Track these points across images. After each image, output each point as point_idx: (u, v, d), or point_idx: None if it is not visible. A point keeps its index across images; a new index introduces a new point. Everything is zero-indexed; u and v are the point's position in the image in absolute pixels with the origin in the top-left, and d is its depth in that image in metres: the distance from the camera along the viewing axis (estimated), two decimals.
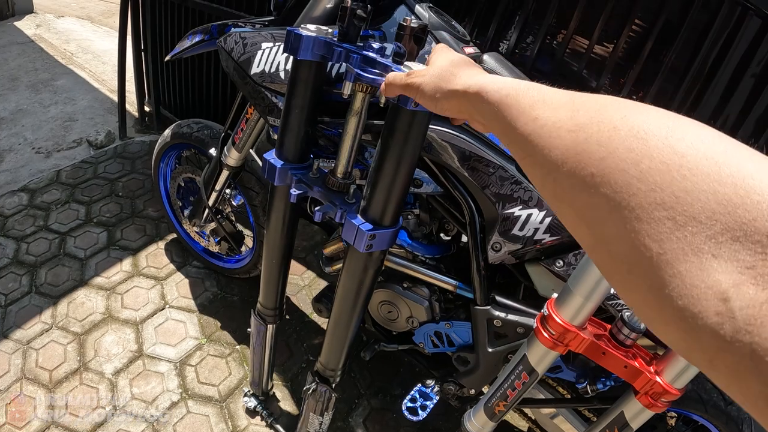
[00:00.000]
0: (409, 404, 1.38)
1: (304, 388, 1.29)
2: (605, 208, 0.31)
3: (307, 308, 2.02)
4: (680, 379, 0.93)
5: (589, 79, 1.59)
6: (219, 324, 1.90)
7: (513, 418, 1.75)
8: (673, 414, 1.34)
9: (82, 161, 2.56)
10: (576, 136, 0.35)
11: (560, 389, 1.42)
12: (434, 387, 1.39)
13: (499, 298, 1.19)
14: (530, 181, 0.44)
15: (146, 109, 2.82)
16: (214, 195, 1.64)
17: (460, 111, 0.57)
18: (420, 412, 1.36)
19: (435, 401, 1.39)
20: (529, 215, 1.06)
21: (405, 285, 1.29)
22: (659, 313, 0.27)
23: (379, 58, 0.90)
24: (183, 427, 1.59)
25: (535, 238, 1.07)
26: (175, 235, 2.15)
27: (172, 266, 2.08)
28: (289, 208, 1.13)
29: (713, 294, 0.24)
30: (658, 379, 0.94)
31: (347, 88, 0.89)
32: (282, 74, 1.18)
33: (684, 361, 0.88)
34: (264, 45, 1.21)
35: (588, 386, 1.15)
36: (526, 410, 1.63)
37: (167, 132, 1.82)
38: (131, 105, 2.87)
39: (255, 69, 1.21)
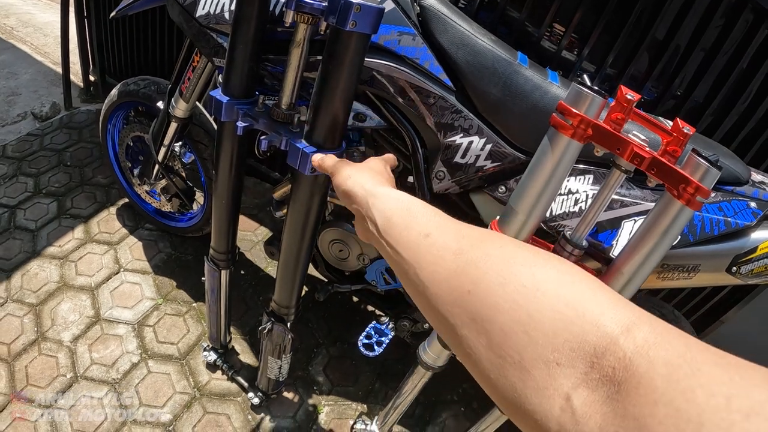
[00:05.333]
0: (365, 341, 1.42)
1: (260, 328, 1.32)
2: (478, 321, 0.36)
3: (262, 263, 2.03)
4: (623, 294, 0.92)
5: (532, 31, 1.62)
6: (174, 283, 1.90)
7: None
8: None
9: (27, 134, 2.48)
10: (458, 258, 0.41)
11: None
12: (389, 324, 1.43)
13: None
14: (408, 293, 0.48)
15: (91, 78, 2.74)
16: (163, 150, 1.62)
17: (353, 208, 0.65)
18: (376, 347, 1.40)
19: (390, 337, 1.43)
20: (470, 142, 1.10)
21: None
22: (517, 408, 0.33)
23: None
24: (145, 386, 1.60)
25: (477, 164, 1.12)
26: (126, 200, 2.12)
27: (124, 230, 2.05)
28: (237, 144, 1.14)
29: (559, 394, 0.30)
30: None
31: (289, 17, 0.92)
32: (227, 15, 1.18)
33: (627, 276, 0.90)
34: None
35: None
36: None
37: (114, 92, 1.79)
38: (75, 75, 2.78)
39: (200, 11, 1.21)
